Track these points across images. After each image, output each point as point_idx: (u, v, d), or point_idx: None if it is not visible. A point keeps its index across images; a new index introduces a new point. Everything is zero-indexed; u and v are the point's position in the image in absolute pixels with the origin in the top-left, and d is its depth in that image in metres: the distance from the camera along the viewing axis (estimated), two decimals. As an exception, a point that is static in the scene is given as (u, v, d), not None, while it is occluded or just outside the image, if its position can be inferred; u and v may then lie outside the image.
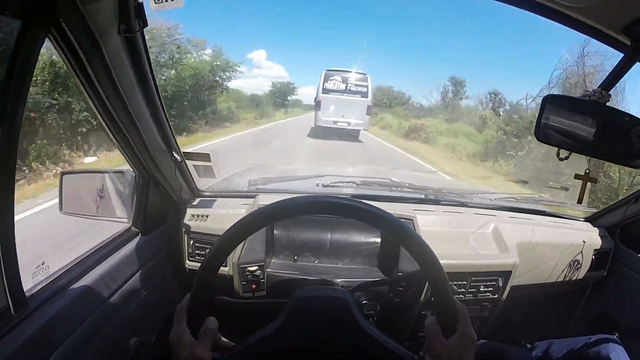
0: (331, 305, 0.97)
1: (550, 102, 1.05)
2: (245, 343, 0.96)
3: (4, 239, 0.78)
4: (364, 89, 15.93)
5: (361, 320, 0.96)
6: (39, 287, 1.01)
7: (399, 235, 0.91)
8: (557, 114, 1.04)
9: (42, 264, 1.22)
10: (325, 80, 15.94)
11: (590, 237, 1.87)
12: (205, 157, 1.52)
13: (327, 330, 0.96)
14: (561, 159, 1.08)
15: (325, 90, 15.86)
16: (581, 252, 1.82)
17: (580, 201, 1.23)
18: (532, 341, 1.70)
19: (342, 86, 15.91)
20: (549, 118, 1.04)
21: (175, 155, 1.38)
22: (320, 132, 15.59)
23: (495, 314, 1.70)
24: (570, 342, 1.54)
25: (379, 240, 1.60)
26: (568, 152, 1.06)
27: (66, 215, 1.42)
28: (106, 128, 1.10)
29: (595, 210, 2.00)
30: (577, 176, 1.15)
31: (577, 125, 1.03)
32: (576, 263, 1.83)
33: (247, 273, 1.46)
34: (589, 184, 1.16)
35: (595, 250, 1.87)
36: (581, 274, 1.87)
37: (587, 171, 1.13)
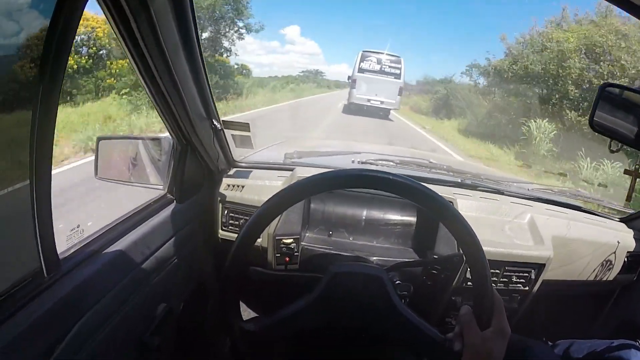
0: (367, 282, 0.97)
1: (607, 91, 1.02)
2: (278, 315, 0.97)
3: (39, 201, 0.78)
4: (397, 71, 16.92)
5: (396, 299, 0.96)
6: (72, 250, 1.01)
7: (445, 216, 0.90)
8: (613, 103, 1.01)
9: (77, 227, 1.24)
10: (362, 60, 17.02)
11: (625, 239, 1.81)
12: (244, 126, 1.52)
13: (362, 307, 0.97)
14: (612, 151, 1.05)
15: (361, 70, 16.92)
16: (614, 252, 1.78)
17: (629, 198, 1.19)
18: (554, 339, 1.68)
19: (377, 67, 16.99)
20: (605, 107, 1.01)
21: (215, 122, 1.38)
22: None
23: (524, 307, 1.68)
24: (592, 343, 1.51)
25: (414, 220, 1.59)
26: (620, 144, 1.03)
27: (101, 180, 1.44)
28: (148, 91, 1.10)
29: (632, 211, 1.95)
30: (626, 171, 1.12)
31: (632, 117, 1.00)
32: (608, 263, 1.79)
33: (282, 245, 1.46)
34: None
35: (628, 252, 1.82)
36: (611, 275, 1.83)
37: (637, 167, 1.10)
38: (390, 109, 17.23)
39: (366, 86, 16.53)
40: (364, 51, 17.33)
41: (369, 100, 16.58)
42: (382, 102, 16.57)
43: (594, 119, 1.01)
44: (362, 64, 17.06)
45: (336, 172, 0.91)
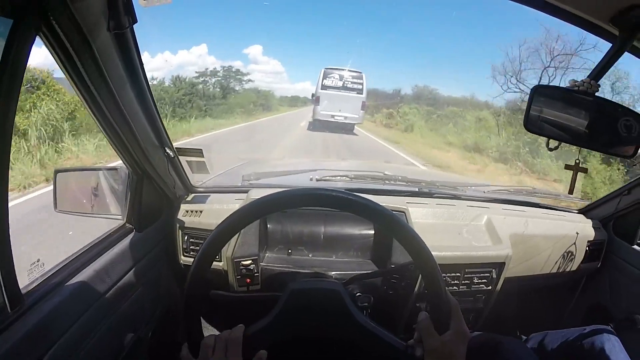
0: (324, 297, 0.98)
1: (539, 93, 1.06)
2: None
3: None
4: (360, 86, 17.08)
5: (354, 311, 0.97)
6: (34, 284, 1.01)
7: (391, 227, 0.92)
8: (546, 104, 1.05)
9: (38, 261, 1.22)
10: (324, 78, 17.08)
11: (584, 229, 1.87)
12: (197, 152, 1.53)
13: (321, 323, 0.97)
14: (550, 149, 1.09)
15: (324, 87, 16.98)
16: (574, 243, 1.83)
17: (571, 191, 1.23)
18: (527, 333, 1.71)
19: (340, 83, 17.06)
20: (538, 108, 1.05)
21: (168, 151, 1.39)
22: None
23: (490, 306, 1.71)
24: (565, 333, 1.55)
25: (372, 232, 1.61)
26: (557, 142, 1.07)
27: (61, 213, 1.42)
28: (98, 125, 1.10)
29: (588, 202, 2.01)
30: (567, 167, 1.16)
31: (566, 115, 1.04)
32: (570, 255, 1.84)
33: (241, 267, 1.47)
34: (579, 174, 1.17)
35: (589, 241, 1.88)
36: (575, 265, 1.88)
37: (578, 161, 1.13)
38: (354, 124, 17.50)
39: (330, 102, 16.71)
40: (326, 68, 17.43)
41: (332, 116, 16.76)
42: (345, 118, 16.82)
43: (528, 120, 1.05)
44: (324, 80, 17.17)
45: (283, 193, 0.92)
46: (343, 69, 17.43)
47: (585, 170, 1.16)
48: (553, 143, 1.08)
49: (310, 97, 19.05)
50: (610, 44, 1.04)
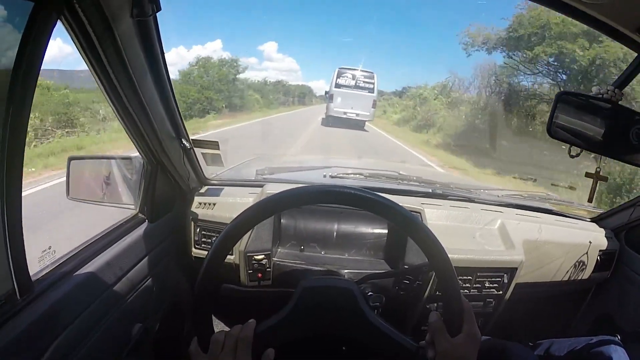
0: (337, 295, 0.97)
1: (563, 99, 1.05)
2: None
3: (11, 223, 0.78)
4: (371, 85, 18.15)
5: (367, 311, 0.97)
6: (44, 272, 1.01)
7: (409, 228, 0.91)
8: (570, 111, 1.04)
9: (49, 249, 1.22)
10: (338, 77, 18.20)
11: (596, 238, 1.85)
12: (214, 144, 1.52)
13: (333, 320, 0.97)
14: (572, 157, 1.08)
15: (338, 85, 18.08)
16: (586, 252, 1.81)
17: (590, 200, 1.22)
18: (533, 340, 1.70)
19: (352, 82, 18.13)
20: (561, 115, 1.04)
21: (184, 142, 1.38)
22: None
23: (499, 311, 1.70)
24: (571, 342, 1.54)
25: (385, 232, 1.60)
26: (579, 149, 1.06)
27: (73, 200, 1.42)
28: (116, 113, 1.10)
29: (602, 211, 1.99)
30: (587, 174, 1.14)
31: (589, 122, 1.03)
32: (581, 263, 1.82)
33: (254, 262, 1.47)
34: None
35: (600, 251, 1.85)
36: (586, 274, 1.86)
37: (598, 169, 1.12)
38: (365, 121, 18.29)
39: (343, 100, 17.84)
40: (340, 68, 18.69)
41: (345, 113, 17.63)
42: (357, 115, 17.66)
43: (552, 126, 1.04)
44: (338, 79, 18.24)
45: (302, 189, 0.92)
46: (356, 69, 18.38)
47: (605, 179, 1.14)
48: (575, 150, 1.07)
49: (319, 94, 19.84)
50: (636, 54, 1.03)
